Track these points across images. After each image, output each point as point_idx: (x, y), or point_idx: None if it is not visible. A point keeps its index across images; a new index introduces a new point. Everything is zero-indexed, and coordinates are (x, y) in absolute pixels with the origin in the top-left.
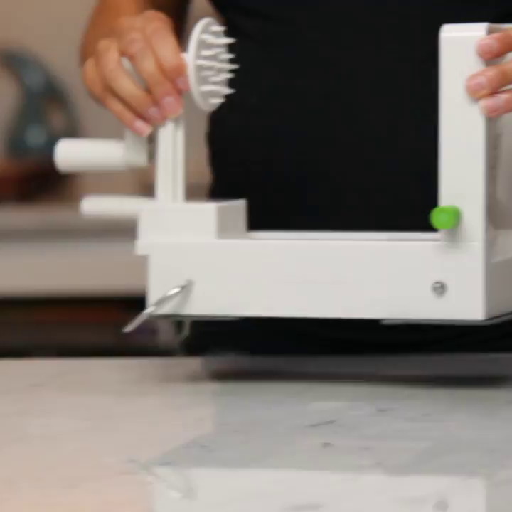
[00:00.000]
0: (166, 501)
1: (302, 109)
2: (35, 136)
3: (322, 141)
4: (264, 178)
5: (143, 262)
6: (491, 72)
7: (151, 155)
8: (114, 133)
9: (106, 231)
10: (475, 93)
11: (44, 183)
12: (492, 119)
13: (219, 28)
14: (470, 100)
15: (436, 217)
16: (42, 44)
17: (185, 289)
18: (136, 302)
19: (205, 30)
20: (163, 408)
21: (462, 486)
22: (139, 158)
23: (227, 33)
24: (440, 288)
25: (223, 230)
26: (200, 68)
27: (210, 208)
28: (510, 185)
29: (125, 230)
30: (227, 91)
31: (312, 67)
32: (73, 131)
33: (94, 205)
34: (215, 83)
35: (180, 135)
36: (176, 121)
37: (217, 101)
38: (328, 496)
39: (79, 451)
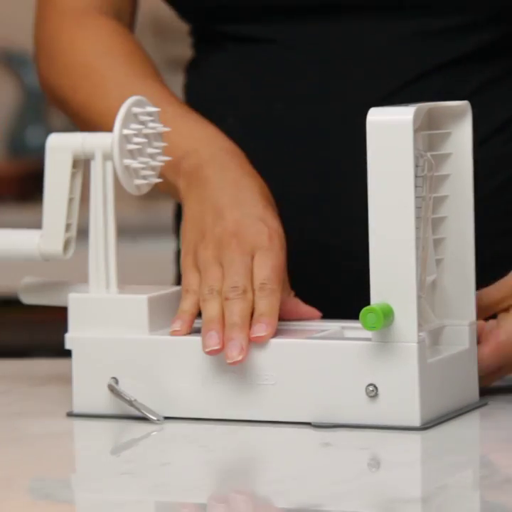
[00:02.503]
0: (167, 501)
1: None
2: (35, 136)
3: (304, 173)
4: None
5: (144, 262)
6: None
7: (68, 245)
8: None
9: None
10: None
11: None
12: (425, 203)
13: (150, 109)
14: (399, 186)
15: (364, 318)
16: None
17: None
18: None
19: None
20: None
21: (462, 486)
22: (56, 248)
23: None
24: (373, 391)
25: (156, 320)
26: (127, 156)
27: (141, 300)
28: (457, 272)
29: (125, 230)
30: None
31: (294, 90)
32: (73, 131)
33: (31, 296)
34: (145, 169)
35: (111, 218)
36: (106, 206)
37: (148, 188)
38: (328, 496)
39: (79, 451)
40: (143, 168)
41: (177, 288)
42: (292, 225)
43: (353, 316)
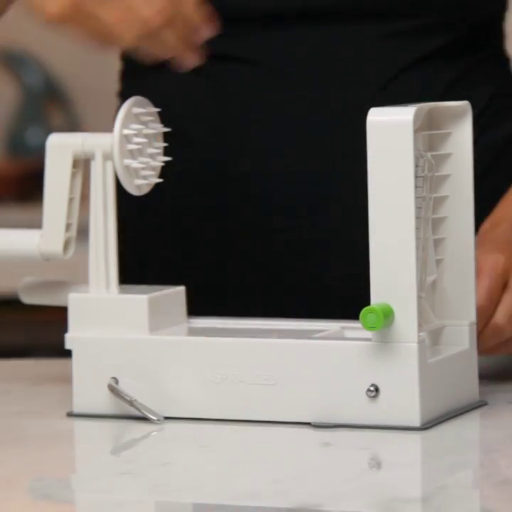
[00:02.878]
0: (167, 501)
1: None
2: (35, 136)
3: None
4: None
5: None
6: None
7: (68, 244)
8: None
9: None
10: None
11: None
12: (425, 203)
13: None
14: (399, 186)
15: (364, 318)
16: (42, 44)
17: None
18: None
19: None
20: None
21: (462, 486)
22: (56, 248)
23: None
24: (373, 391)
25: (157, 320)
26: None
27: (141, 299)
28: (457, 272)
29: None
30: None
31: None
32: (73, 131)
33: (31, 296)
34: (147, 169)
35: (111, 218)
36: (106, 206)
37: (148, 188)
38: (328, 496)
39: (79, 451)
40: (143, 168)
41: (178, 288)
42: (292, 225)
43: (353, 315)
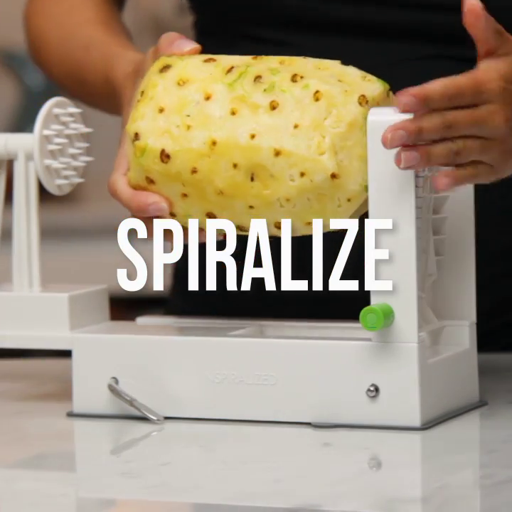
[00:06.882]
0: (167, 501)
1: None
2: None
3: None
4: None
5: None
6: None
7: None
8: (113, 132)
9: (107, 231)
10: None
11: None
12: (425, 203)
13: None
14: (399, 186)
15: (364, 318)
16: None
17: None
18: (137, 302)
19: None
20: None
21: (462, 486)
22: None
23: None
24: (373, 391)
25: (78, 319)
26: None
27: (62, 298)
28: (457, 272)
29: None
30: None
31: None
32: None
33: None
34: (67, 169)
35: (33, 218)
36: (29, 206)
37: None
38: (328, 496)
39: (79, 451)
40: (64, 169)
41: (100, 287)
42: None
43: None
